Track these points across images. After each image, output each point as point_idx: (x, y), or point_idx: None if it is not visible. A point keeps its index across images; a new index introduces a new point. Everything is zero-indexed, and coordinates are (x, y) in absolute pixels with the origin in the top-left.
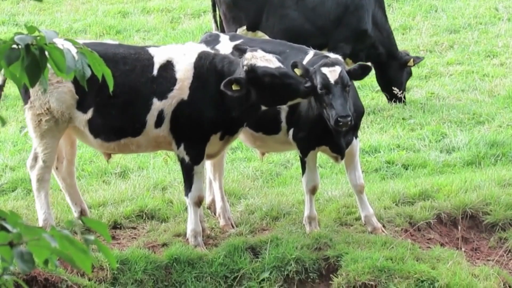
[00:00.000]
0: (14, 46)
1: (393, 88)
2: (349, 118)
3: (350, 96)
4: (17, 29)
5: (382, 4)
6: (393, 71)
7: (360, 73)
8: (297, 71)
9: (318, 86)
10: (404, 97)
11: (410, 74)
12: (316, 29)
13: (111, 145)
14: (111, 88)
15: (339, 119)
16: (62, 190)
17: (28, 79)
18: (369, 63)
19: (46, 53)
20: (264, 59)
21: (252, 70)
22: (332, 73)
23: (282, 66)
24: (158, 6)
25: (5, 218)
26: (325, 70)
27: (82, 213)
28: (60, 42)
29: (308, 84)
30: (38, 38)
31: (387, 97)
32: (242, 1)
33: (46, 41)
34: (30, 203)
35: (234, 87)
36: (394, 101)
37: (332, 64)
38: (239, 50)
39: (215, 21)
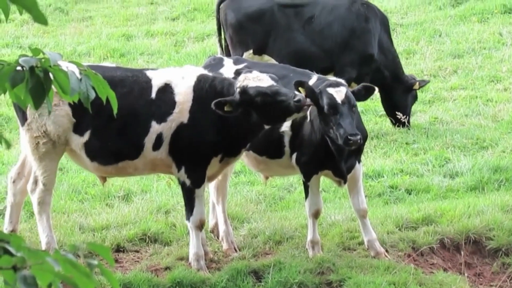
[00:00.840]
0: (19, 68)
1: (396, 113)
2: (359, 137)
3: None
4: (21, 52)
5: (388, 28)
6: (398, 95)
7: (364, 94)
8: (302, 91)
9: (325, 107)
10: (409, 122)
11: (415, 98)
12: (323, 53)
13: (108, 168)
14: (115, 111)
15: (349, 137)
16: (7, 203)
17: (33, 101)
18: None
19: (51, 75)
20: (257, 79)
21: (244, 92)
22: (339, 93)
23: (274, 84)
24: (162, 29)
25: (9, 241)
26: (331, 90)
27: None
28: (64, 65)
29: (298, 98)
30: (43, 60)
31: (391, 121)
32: (249, 24)
33: (51, 63)
34: (33, 226)
35: (227, 108)
36: (398, 126)
37: (337, 84)
38: (239, 74)
39: (221, 45)
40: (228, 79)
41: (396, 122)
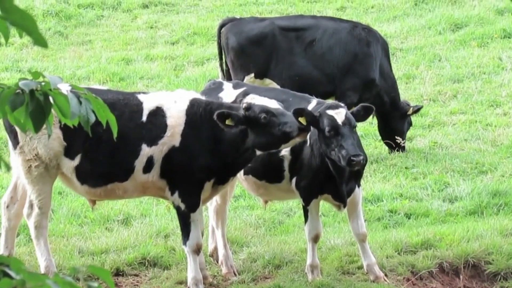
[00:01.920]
0: (19, 91)
1: (396, 137)
2: (361, 157)
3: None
4: (20, 75)
5: (388, 53)
6: (395, 121)
7: (363, 114)
8: (302, 120)
9: (326, 129)
10: (404, 147)
11: (410, 124)
12: (324, 77)
13: (97, 191)
14: (115, 134)
15: (352, 158)
16: (1, 229)
17: (33, 124)
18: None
19: (51, 98)
20: (263, 101)
21: (249, 108)
22: (339, 115)
23: (280, 108)
24: (162, 53)
25: (8, 265)
26: (331, 112)
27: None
28: (64, 88)
29: (301, 126)
30: (43, 83)
31: (389, 147)
32: (251, 48)
33: (51, 87)
34: (32, 249)
35: (228, 122)
36: (397, 150)
37: (336, 106)
38: (245, 95)
39: (222, 69)
40: (225, 104)
41: (394, 148)
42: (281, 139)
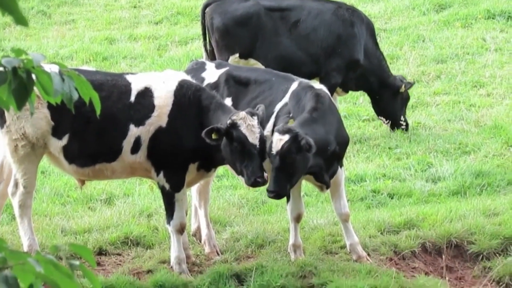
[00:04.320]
0: (1, 69)
1: (380, 117)
2: (271, 194)
3: (333, 126)
4: (3, 55)
5: (373, 33)
6: (386, 99)
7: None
8: (214, 135)
9: (267, 150)
10: (407, 124)
11: (407, 98)
12: (308, 57)
13: (85, 171)
14: (98, 112)
15: (257, 179)
16: None
17: (15, 102)
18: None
19: (33, 76)
20: (250, 128)
21: (233, 127)
22: (278, 142)
23: (257, 143)
24: (145, 33)
25: None
26: (275, 136)
27: None
28: (47, 66)
29: (259, 180)
30: (25, 61)
31: (390, 126)
32: (236, 28)
33: (34, 64)
34: (15, 228)
35: (214, 136)
36: (399, 128)
37: (284, 132)
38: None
39: (206, 49)
40: (216, 98)
41: (393, 126)
42: (236, 168)
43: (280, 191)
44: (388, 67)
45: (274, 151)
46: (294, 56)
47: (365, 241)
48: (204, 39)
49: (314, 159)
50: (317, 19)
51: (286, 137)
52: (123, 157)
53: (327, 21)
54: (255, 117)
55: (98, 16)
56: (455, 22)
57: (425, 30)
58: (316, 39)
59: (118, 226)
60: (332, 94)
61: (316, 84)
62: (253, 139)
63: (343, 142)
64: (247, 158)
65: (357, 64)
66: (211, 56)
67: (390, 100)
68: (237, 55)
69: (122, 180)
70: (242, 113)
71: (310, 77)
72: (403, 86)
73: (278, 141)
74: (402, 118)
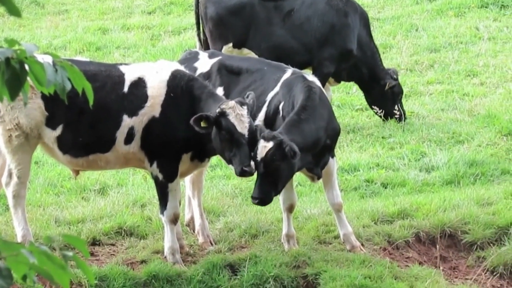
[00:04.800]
0: None
1: (373, 107)
2: (255, 201)
3: (324, 120)
4: None
5: (367, 23)
6: (377, 91)
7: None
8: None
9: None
10: (404, 114)
11: (399, 92)
12: (302, 47)
13: (79, 161)
14: (91, 102)
15: (244, 168)
16: None
17: (9, 92)
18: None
19: (27, 66)
20: (239, 118)
21: (222, 115)
22: (263, 149)
23: (246, 135)
24: (139, 23)
25: None
26: (260, 143)
27: None
28: (40, 57)
29: (248, 169)
30: (18, 51)
31: (383, 116)
32: (229, 18)
33: (27, 55)
34: (9, 219)
35: (203, 124)
36: (392, 118)
37: (268, 139)
38: (241, 103)
39: (199, 39)
40: (208, 88)
41: (384, 116)
42: (224, 159)
43: (264, 198)
44: (381, 60)
45: (258, 157)
46: (288, 46)
47: (359, 231)
48: (198, 28)
49: (304, 158)
50: (310, 9)
51: (271, 144)
52: (116, 147)
53: (320, 11)
54: (245, 107)
55: (91, 6)
56: (448, 11)
57: (418, 19)
58: (310, 28)
59: (112, 216)
60: (324, 84)
61: (309, 76)
62: (242, 128)
63: (334, 133)
64: (236, 147)
65: (350, 54)
66: (205, 46)
67: (380, 93)
68: (230, 44)
69: (116, 170)
70: (232, 102)
71: (303, 66)
72: (387, 84)
73: (263, 148)
74: (396, 108)
